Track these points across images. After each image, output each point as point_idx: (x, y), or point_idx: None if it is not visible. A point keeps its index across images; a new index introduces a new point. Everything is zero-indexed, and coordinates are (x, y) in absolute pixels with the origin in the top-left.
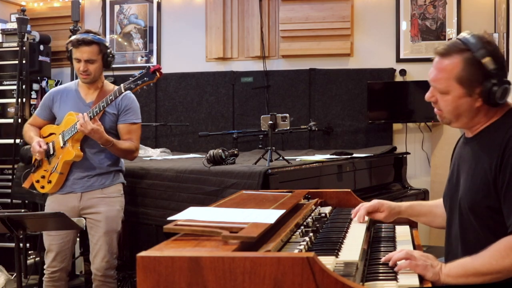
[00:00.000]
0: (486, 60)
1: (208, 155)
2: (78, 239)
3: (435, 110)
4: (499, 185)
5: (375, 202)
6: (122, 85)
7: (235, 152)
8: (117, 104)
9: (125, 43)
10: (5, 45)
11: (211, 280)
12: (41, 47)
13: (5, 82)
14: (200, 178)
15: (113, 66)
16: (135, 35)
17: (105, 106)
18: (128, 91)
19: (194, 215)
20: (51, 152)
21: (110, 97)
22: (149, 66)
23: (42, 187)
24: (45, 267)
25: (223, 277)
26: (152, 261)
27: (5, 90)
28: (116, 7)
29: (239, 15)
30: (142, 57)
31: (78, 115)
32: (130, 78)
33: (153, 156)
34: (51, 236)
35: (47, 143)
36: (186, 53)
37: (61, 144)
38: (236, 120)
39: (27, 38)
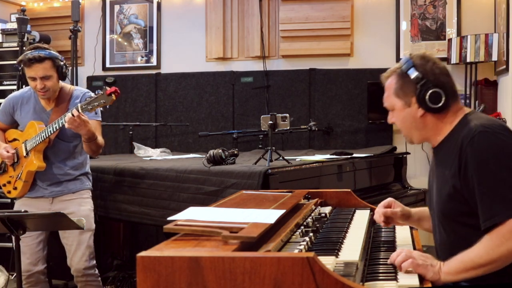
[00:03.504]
0: (411, 70)
1: (208, 155)
2: None
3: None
4: (463, 188)
5: (388, 199)
6: (79, 105)
7: (235, 152)
8: (76, 104)
9: (125, 43)
10: (5, 45)
11: (211, 280)
12: None
13: (5, 82)
14: (200, 178)
15: (113, 66)
16: (135, 35)
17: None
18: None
19: (194, 215)
20: (15, 159)
21: (69, 113)
22: (105, 88)
23: (9, 192)
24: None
25: (223, 277)
26: (152, 261)
27: (5, 90)
28: (116, 7)
29: (239, 15)
30: (142, 57)
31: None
32: (87, 99)
33: (153, 156)
34: (22, 238)
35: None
36: (186, 53)
37: (24, 154)
38: (236, 120)
39: (27, 38)
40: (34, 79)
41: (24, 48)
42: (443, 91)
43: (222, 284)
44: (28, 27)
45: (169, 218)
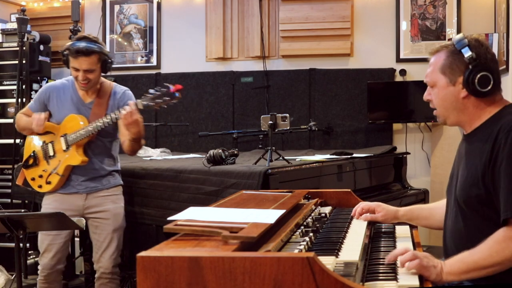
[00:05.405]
0: (465, 49)
1: (208, 155)
2: (77, 239)
3: (434, 111)
4: (489, 177)
5: (373, 203)
6: (139, 100)
7: (235, 152)
8: (116, 101)
9: (125, 43)
10: (5, 45)
11: (211, 280)
12: (41, 47)
13: (5, 82)
14: (200, 178)
15: (113, 66)
16: (135, 35)
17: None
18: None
19: (194, 215)
20: (51, 153)
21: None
22: (169, 87)
23: (40, 186)
24: (40, 268)
25: (223, 277)
26: (152, 261)
27: (5, 90)
28: (116, 7)
29: (239, 15)
30: (142, 57)
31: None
32: (147, 95)
33: (153, 156)
34: (51, 236)
35: (44, 142)
36: (186, 53)
37: (64, 147)
38: (236, 120)
39: (27, 38)
40: (77, 70)
41: (24, 48)
42: (492, 77)
43: (222, 284)
44: (28, 27)
45: (169, 218)
